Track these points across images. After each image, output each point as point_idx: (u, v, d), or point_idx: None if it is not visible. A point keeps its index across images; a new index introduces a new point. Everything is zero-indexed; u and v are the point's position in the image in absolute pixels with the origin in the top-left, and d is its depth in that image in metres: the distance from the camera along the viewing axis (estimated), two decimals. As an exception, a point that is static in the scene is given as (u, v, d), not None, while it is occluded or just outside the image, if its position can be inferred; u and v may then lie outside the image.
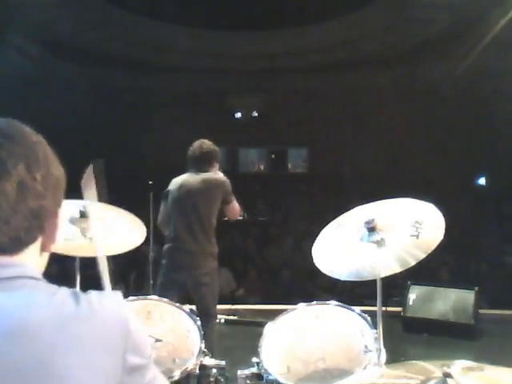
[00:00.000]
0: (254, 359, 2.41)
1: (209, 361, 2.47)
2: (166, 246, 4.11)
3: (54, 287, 1.00)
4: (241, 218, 12.42)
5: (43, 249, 1.06)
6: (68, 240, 2.52)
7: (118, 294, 1.06)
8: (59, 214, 1.06)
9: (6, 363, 0.89)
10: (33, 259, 1.03)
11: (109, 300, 1.01)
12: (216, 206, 4.08)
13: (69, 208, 2.55)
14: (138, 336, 1.00)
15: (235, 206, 4.19)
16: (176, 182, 4.16)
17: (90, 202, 2.26)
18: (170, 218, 4.09)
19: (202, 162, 4.15)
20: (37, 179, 0.98)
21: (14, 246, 0.98)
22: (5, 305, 0.93)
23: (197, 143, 4.23)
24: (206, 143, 4.22)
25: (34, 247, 1.03)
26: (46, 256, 1.09)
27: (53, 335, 0.92)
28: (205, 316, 3.90)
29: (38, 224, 1.01)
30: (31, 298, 0.95)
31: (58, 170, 1.05)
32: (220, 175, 4.19)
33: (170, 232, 4.08)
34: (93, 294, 1.00)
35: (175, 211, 4.06)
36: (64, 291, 0.99)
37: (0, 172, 0.94)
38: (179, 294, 3.98)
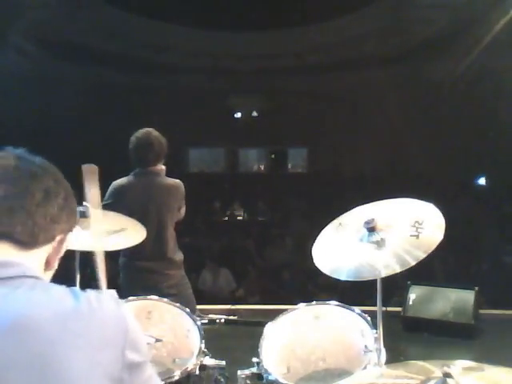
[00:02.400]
0: (254, 359, 2.41)
1: (209, 361, 2.46)
2: (122, 260, 3.62)
3: (53, 285, 1.03)
4: (241, 217, 12.49)
5: (48, 264, 1.12)
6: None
7: (113, 293, 1.08)
8: (68, 238, 1.15)
9: (8, 358, 0.91)
10: (36, 263, 1.08)
11: (107, 298, 1.04)
12: (175, 211, 3.63)
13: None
14: (136, 334, 1.03)
15: (183, 210, 3.75)
16: (119, 191, 3.54)
17: (91, 202, 2.24)
18: None
19: (151, 161, 3.59)
20: (60, 193, 1.10)
21: (25, 239, 1.05)
22: (6, 302, 0.95)
23: (142, 134, 3.63)
24: (154, 134, 3.64)
25: (41, 254, 1.09)
26: (49, 275, 1.15)
27: (53, 331, 0.94)
28: None
29: (52, 229, 1.09)
30: (31, 296, 0.98)
31: (75, 205, 1.17)
32: (175, 179, 3.71)
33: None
34: (91, 293, 1.03)
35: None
36: (63, 289, 1.02)
37: (32, 175, 1.07)
38: None
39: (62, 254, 1.15)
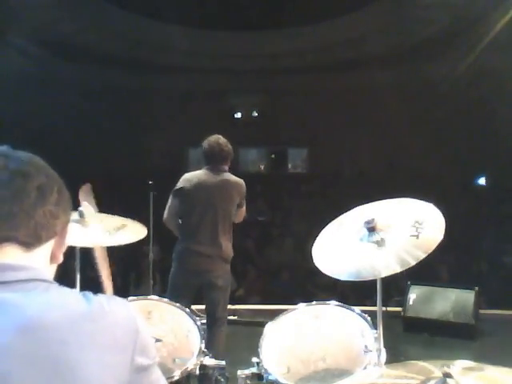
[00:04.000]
0: (254, 359, 2.41)
1: (209, 361, 2.47)
2: (179, 247, 3.92)
3: (66, 289, 1.05)
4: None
5: (53, 257, 1.13)
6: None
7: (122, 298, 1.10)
8: (68, 228, 1.15)
9: (20, 358, 0.93)
10: (44, 263, 1.09)
11: (118, 302, 1.06)
12: (234, 207, 3.94)
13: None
14: (146, 337, 1.06)
15: (244, 211, 4.07)
16: (191, 180, 3.91)
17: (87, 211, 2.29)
18: (184, 217, 3.90)
19: (220, 160, 3.95)
20: (54, 189, 1.09)
21: (30, 240, 1.05)
22: (19, 303, 0.97)
23: (214, 138, 3.98)
24: (223, 140, 3.99)
25: (46, 250, 1.10)
26: (54, 267, 1.16)
27: (66, 333, 0.96)
28: (212, 319, 3.82)
29: (53, 225, 1.08)
30: (45, 298, 1.00)
31: (68, 194, 1.15)
32: (238, 178, 4.03)
33: (184, 232, 3.90)
34: (102, 296, 1.05)
35: (191, 211, 3.85)
36: (75, 293, 1.05)
37: (24, 175, 1.05)
38: (192, 295, 3.87)
39: (65, 245, 1.16)
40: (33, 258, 1.06)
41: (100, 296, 1.05)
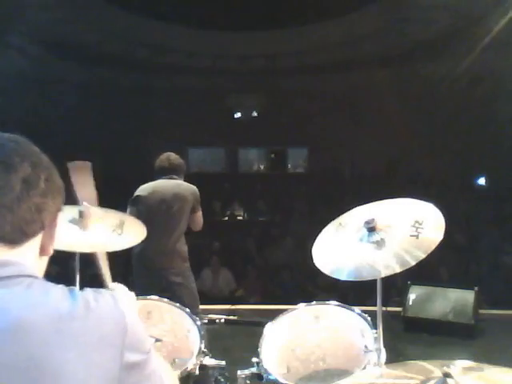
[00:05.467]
0: (254, 359, 2.41)
1: (209, 361, 2.47)
2: (137, 249, 4.04)
3: (51, 285, 1.01)
4: (241, 217, 12.49)
5: (42, 250, 1.08)
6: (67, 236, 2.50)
7: (124, 288, 1.06)
8: (58, 218, 1.10)
9: (4, 360, 0.89)
10: (31, 257, 1.05)
11: (105, 297, 1.01)
12: (188, 210, 4.17)
13: (69, 210, 2.52)
14: (136, 332, 1.01)
15: (200, 217, 4.27)
16: (146, 188, 4.21)
17: (86, 200, 2.27)
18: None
19: (172, 171, 4.25)
20: (41, 178, 1.03)
21: (16, 236, 1.01)
22: (3, 302, 0.94)
23: (164, 156, 4.30)
24: (173, 155, 4.32)
25: (34, 244, 1.05)
26: (45, 260, 1.11)
27: (48, 332, 0.92)
28: None
29: (40, 219, 1.03)
30: (28, 296, 0.96)
31: (59, 180, 1.10)
32: (190, 185, 4.29)
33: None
34: (89, 292, 1.01)
35: (147, 215, 3.97)
36: (60, 289, 1.00)
37: (7, 167, 1.00)
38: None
39: (56, 236, 1.10)
40: (19, 253, 1.01)
41: (87, 291, 1.01)
